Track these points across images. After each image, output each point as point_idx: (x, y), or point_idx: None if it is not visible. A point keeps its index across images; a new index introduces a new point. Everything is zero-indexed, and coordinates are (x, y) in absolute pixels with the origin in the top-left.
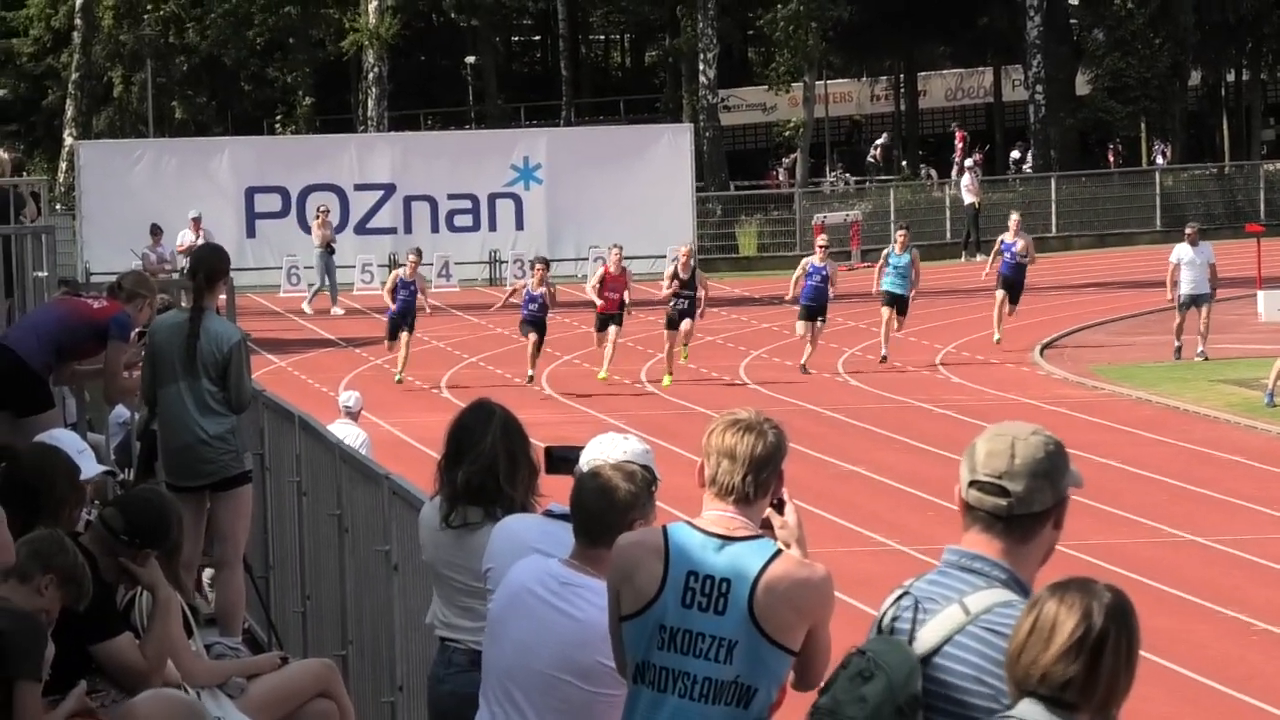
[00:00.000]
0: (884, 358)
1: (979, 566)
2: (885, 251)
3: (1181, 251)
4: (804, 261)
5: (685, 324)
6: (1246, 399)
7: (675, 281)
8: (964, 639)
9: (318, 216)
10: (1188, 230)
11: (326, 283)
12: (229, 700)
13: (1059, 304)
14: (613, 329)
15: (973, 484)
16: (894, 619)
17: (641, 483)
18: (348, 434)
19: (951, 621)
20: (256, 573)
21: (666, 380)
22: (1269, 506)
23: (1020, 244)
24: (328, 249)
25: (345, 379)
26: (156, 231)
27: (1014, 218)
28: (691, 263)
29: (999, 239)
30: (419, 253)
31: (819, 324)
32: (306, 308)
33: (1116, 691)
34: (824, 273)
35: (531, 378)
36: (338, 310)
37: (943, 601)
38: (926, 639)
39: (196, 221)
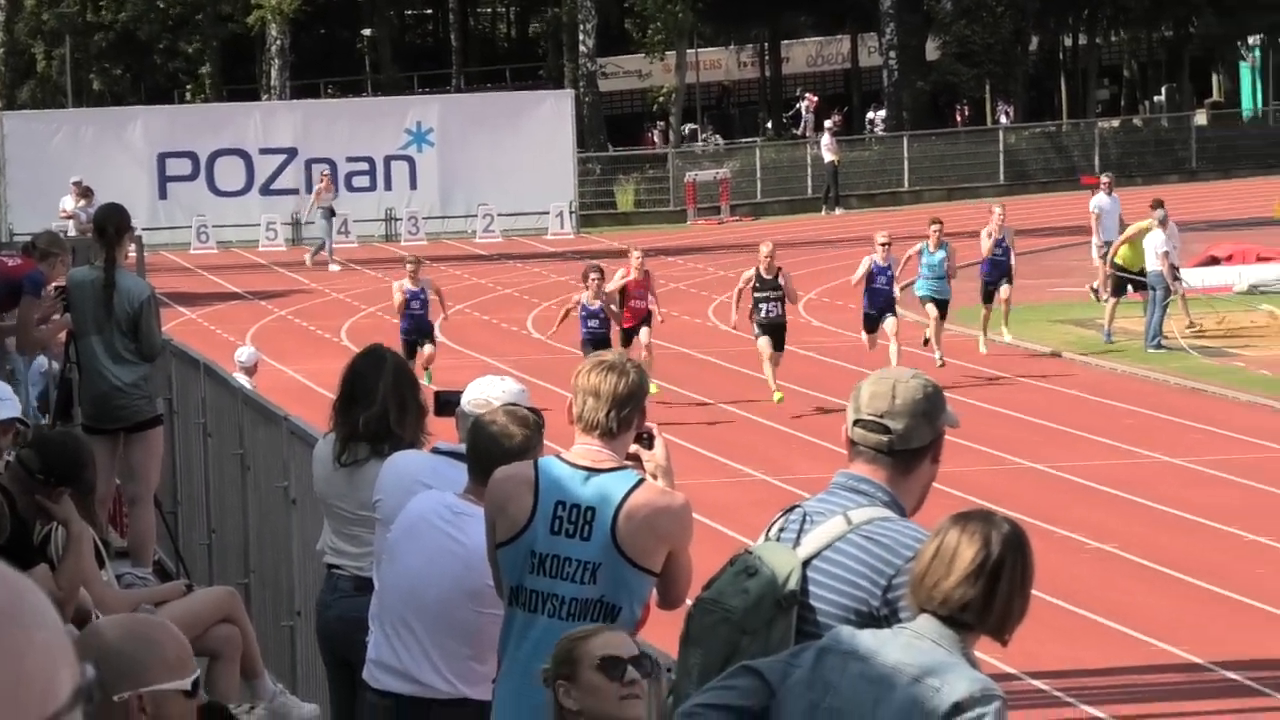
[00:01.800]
0: (940, 362)
1: (864, 488)
2: (918, 249)
3: (1100, 200)
4: (866, 260)
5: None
6: (1083, 337)
7: (751, 284)
8: (844, 545)
9: (321, 180)
10: (1104, 180)
11: (327, 243)
12: None
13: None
14: (643, 331)
15: (857, 422)
16: (781, 529)
17: (534, 426)
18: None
19: (834, 530)
20: (166, 508)
21: (778, 397)
22: (1104, 436)
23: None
24: (329, 211)
25: (250, 330)
26: (88, 193)
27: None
28: (774, 259)
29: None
30: (417, 261)
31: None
32: (308, 260)
33: (1010, 616)
34: (889, 273)
35: None
36: (335, 267)
37: (829, 515)
38: (810, 544)
39: (78, 185)
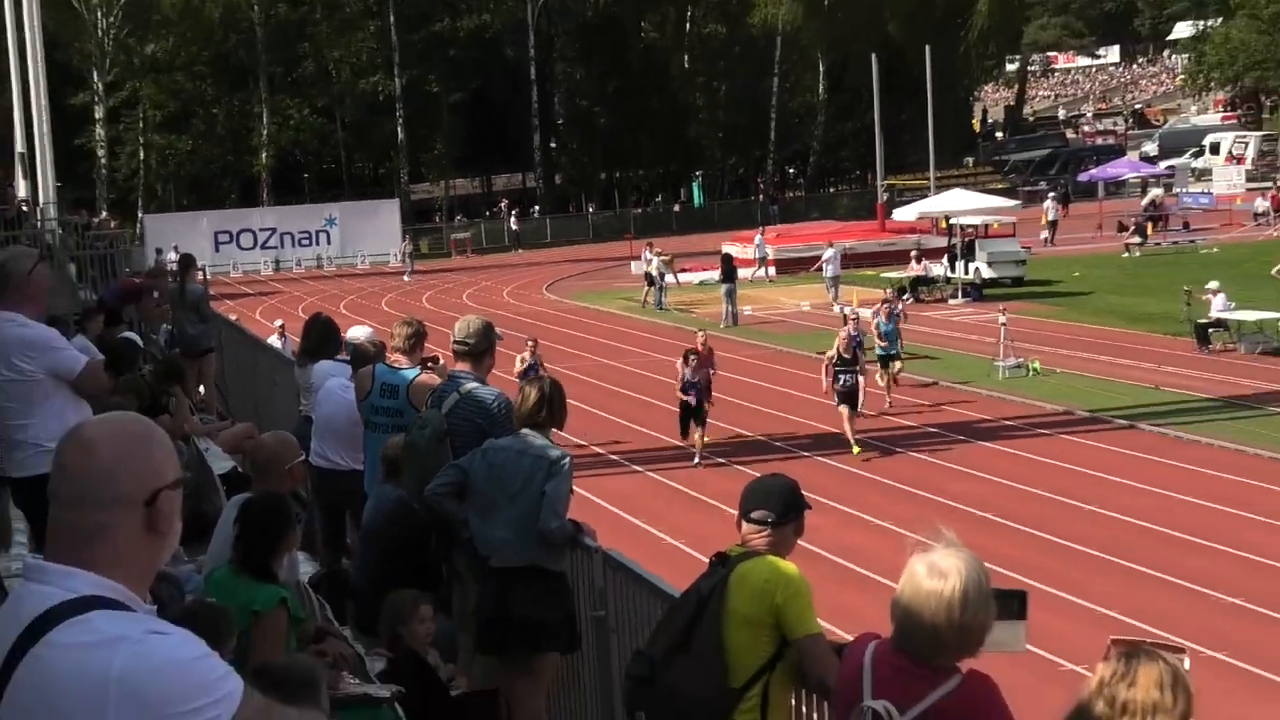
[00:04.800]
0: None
1: (464, 377)
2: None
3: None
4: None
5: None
6: (633, 305)
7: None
8: (459, 405)
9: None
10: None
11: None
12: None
13: (553, 266)
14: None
15: (454, 343)
16: (440, 398)
17: (378, 347)
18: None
19: (454, 399)
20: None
21: (856, 450)
22: (654, 372)
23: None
24: None
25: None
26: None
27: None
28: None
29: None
30: (535, 340)
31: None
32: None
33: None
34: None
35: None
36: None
37: (450, 394)
38: (446, 406)
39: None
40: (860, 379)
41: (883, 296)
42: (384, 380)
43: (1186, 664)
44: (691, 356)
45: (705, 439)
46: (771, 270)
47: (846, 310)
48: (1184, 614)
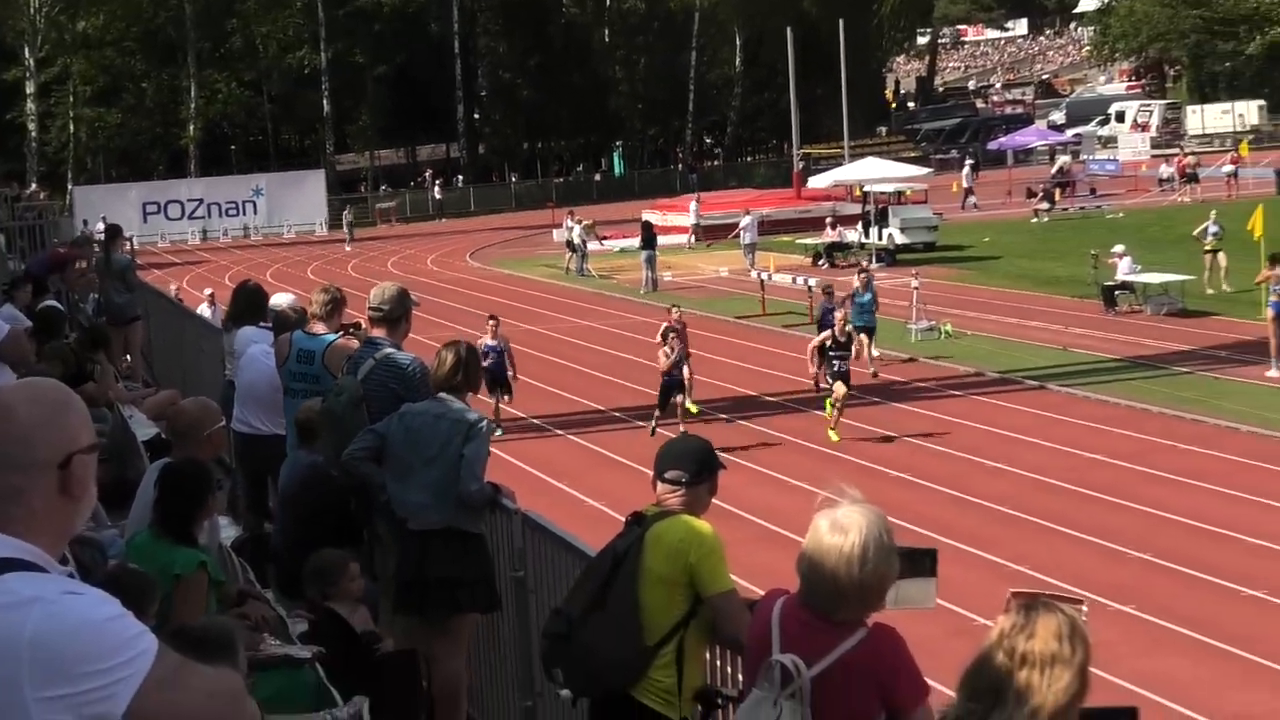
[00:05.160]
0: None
1: (380, 342)
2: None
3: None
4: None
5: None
6: (555, 271)
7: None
8: (375, 370)
9: None
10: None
11: None
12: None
13: (476, 234)
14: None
15: (370, 309)
16: (356, 364)
17: (299, 313)
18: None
19: (370, 365)
20: (148, 359)
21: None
22: (575, 337)
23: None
24: None
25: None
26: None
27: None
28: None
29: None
30: (496, 319)
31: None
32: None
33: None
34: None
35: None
36: None
37: (367, 359)
38: (362, 372)
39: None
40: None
41: (860, 266)
42: (300, 346)
43: (1085, 615)
44: (671, 334)
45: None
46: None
47: (814, 284)
48: (1093, 569)
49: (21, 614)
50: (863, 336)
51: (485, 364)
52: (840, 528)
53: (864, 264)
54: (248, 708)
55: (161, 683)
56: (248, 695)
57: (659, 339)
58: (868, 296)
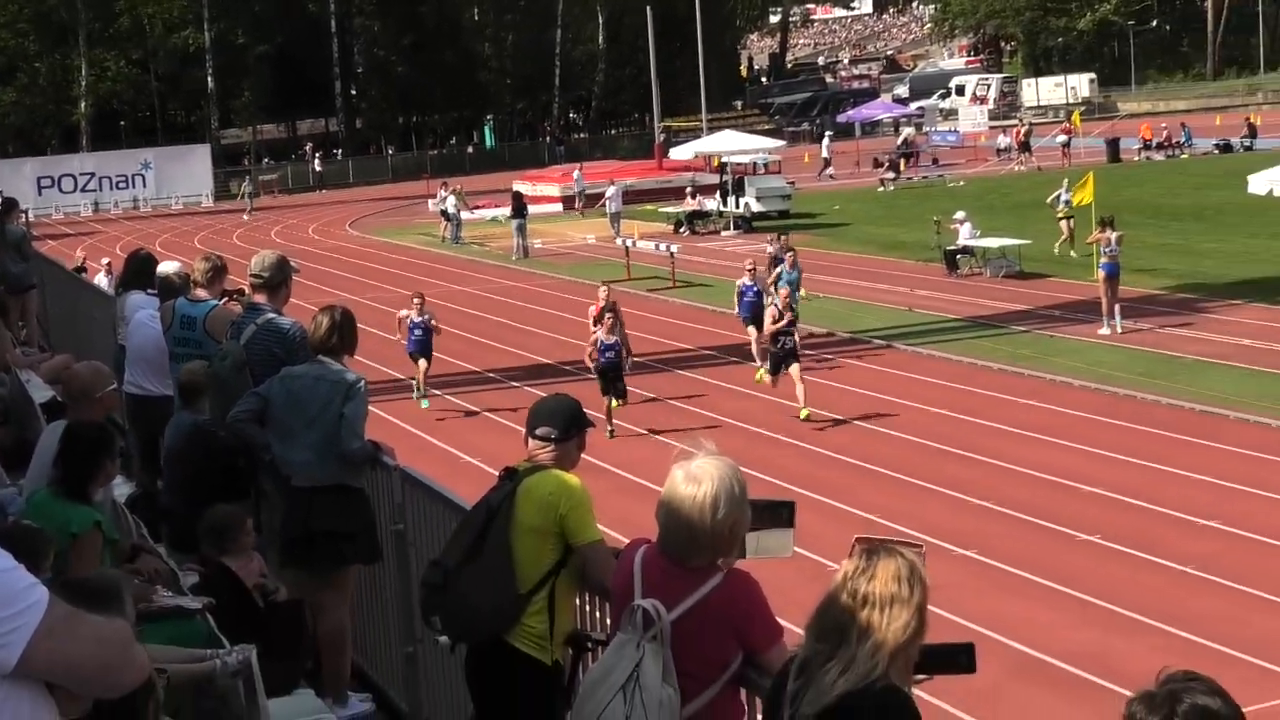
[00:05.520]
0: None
1: (262, 308)
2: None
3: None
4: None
5: (794, 368)
6: (431, 240)
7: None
8: (257, 335)
9: None
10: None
11: None
12: None
13: (355, 204)
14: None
15: (250, 276)
16: (239, 329)
17: (183, 279)
18: None
19: (251, 330)
20: (43, 324)
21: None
22: (451, 301)
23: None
24: None
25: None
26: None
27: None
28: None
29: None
30: (421, 296)
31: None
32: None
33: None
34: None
35: (612, 431)
36: None
37: (249, 325)
38: (244, 336)
39: None
40: (797, 336)
41: (786, 244)
42: (183, 313)
43: (923, 558)
44: (608, 315)
45: (620, 406)
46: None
47: (746, 264)
48: (938, 516)
49: None
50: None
51: (413, 337)
52: (694, 478)
53: (782, 237)
54: (136, 653)
55: (52, 631)
56: (135, 642)
57: (591, 324)
58: (795, 274)
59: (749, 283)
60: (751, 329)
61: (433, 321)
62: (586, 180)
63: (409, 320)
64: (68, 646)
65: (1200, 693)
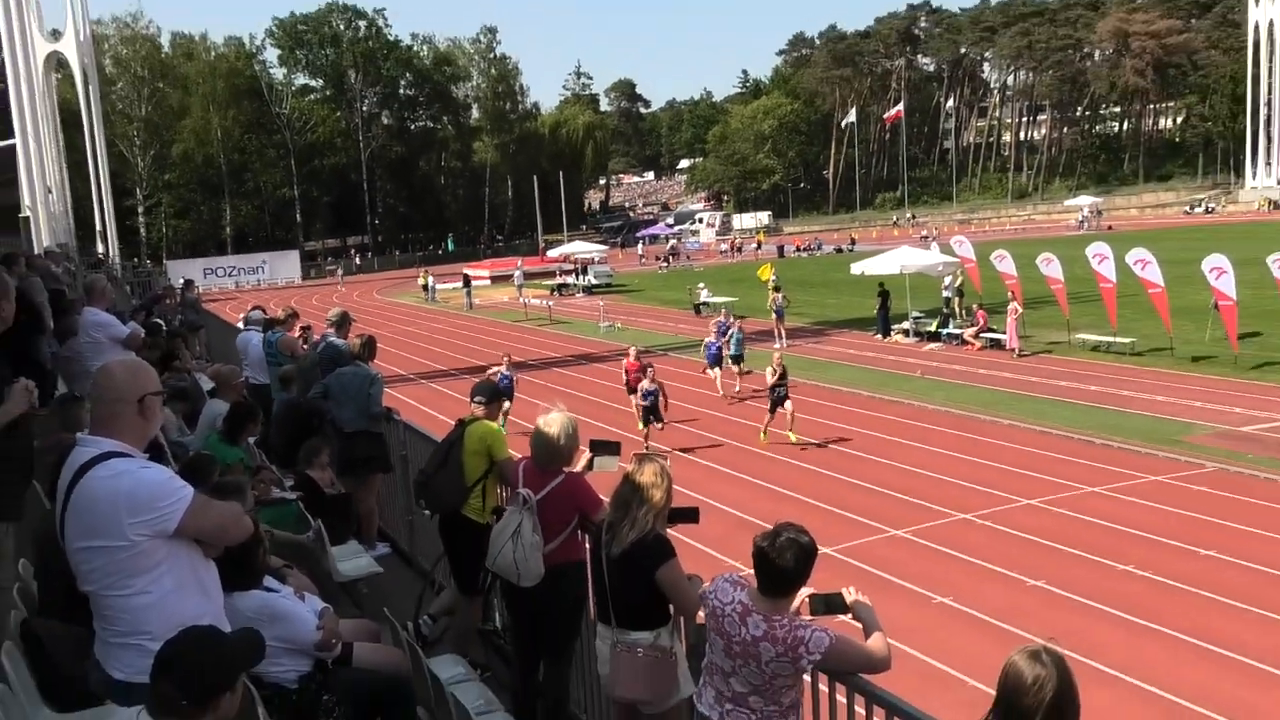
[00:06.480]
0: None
1: (329, 337)
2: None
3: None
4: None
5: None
6: (419, 299)
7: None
8: (324, 350)
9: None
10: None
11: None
12: None
13: (378, 282)
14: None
15: (327, 322)
16: (314, 346)
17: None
18: None
19: (323, 345)
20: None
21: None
22: (426, 331)
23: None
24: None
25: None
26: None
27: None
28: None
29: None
30: (509, 355)
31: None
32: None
33: None
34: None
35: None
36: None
37: (322, 343)
38: (318, 351)
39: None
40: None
41: (729, 316)
42: (269, 339)
43: (669, 463)
44: (650, 369)
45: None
46: (521, 278)
47: (711, 327)
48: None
49: (118, 479)
50: (734, 366)
51: (502, 385)
52: (550, 423)
53: (725, 312)
54: (244, 522)
55: (194, 510)
56: (245, 515)
57: (623, 373)
58: (740, 335)
59: (712, 339)
60: (713, 371)
61: (515, 376)
62: (503, 266)
63: (499, 374)
64: (202, 518)
65: (792, 530)
